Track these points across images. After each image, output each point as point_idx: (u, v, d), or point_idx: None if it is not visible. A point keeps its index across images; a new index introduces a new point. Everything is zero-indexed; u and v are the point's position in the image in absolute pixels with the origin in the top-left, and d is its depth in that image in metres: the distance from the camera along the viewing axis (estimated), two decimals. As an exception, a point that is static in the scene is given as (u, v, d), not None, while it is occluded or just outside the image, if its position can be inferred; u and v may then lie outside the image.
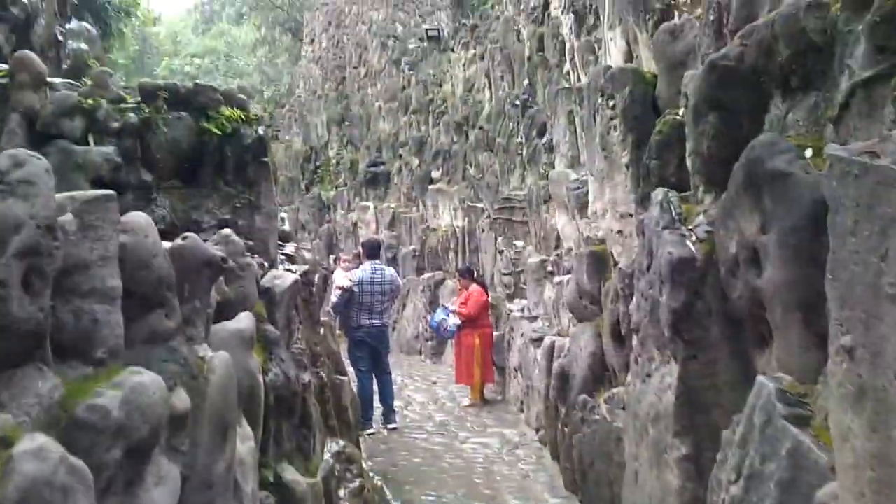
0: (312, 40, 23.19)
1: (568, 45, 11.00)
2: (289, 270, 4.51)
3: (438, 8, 20.11)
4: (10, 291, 1.89)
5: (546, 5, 12.04)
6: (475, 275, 11.56)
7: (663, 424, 4.04)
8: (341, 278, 9.64)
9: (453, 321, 10.52)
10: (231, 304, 3.33)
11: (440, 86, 16.98)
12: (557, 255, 9.56)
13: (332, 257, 16.43)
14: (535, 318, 9.83)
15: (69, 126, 4.04)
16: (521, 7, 13.36)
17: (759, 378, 3.06)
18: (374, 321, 9.35)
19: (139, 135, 4.29)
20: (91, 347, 2.25)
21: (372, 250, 9.86)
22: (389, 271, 9.93)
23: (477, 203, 13.86)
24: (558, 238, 9.63)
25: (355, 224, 18.38)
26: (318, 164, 21.14)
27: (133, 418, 2.16)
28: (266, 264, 4.20)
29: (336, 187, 20.28)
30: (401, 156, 17.89)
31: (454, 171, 15.32)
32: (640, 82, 6.12)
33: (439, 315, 10.91)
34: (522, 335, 9.88)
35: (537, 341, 8.93)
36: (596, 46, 9.78)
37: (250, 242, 4.12)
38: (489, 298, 11.05)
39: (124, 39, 21.45)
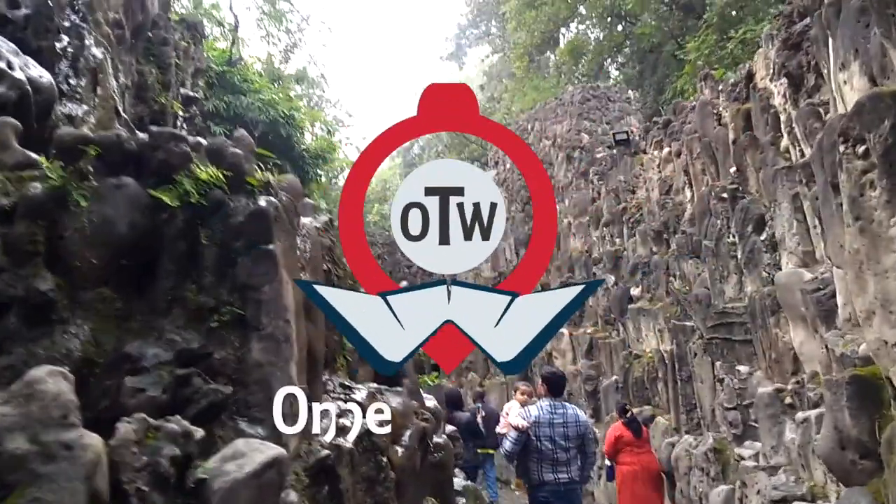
0: (497, 163, 22.39)
1: (783, 118, 8.93)
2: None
3: (627, 112, 18.49)
4: None
5: (750, 77, 10.04)
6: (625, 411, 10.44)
7: None
8: (515, 415, 7.58)
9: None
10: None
11: (633, 192, 15.14)
12: (797, 382, 7.69)
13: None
14: (774, 470, 7.41)
15: (-85, 210, 2.61)
16: (720, 87, 11.41)
17: None
18: (560, 476, 7.13)
19: (46, 217, 2.68)
20: None
21: (557, 386, 7.70)
22: (572, 410, 7.70)
23: (686, 321, 11.55)
24: (796, 359, 7.79)
25: (550, 354, 16.48)
26: (507, 290, 19.80)
27: None
28: (240, 430, 2.43)
29: (528, 314, 18.68)
30: (595, 274, 16.01)
31: (656, 286, 13.15)
32: (908, 110, 4.04)
33: None
34: (759, 493, 7.43)
35: (780, 502, 6.62)
36: (821, 111, 7.70)
37: (227, 389, 2.42)
38: (619, 432, 9.89)
39: (321, 185, 22.14)
